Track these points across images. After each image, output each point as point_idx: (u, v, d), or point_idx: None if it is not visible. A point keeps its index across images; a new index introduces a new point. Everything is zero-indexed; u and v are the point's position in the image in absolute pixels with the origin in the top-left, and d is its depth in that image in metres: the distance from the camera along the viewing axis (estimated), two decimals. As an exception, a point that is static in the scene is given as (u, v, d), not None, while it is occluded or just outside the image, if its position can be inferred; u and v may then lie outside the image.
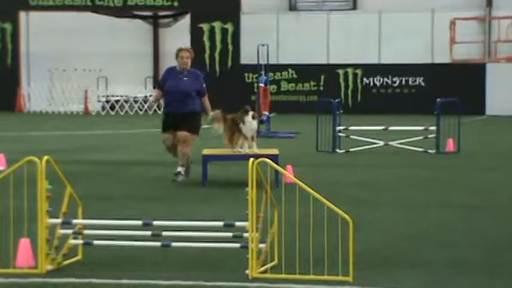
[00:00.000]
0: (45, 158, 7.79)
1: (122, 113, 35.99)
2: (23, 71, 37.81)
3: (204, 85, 14.49)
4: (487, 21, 37.60)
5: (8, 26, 36.89)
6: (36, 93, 37.69)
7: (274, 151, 13.95)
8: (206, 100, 14.42)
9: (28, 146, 20.01)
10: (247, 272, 7.52)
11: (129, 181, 14.39)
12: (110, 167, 16.60)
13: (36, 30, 37.76)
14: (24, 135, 24.21)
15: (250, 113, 13.75)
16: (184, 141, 13.58)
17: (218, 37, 36.11)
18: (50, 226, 7.87)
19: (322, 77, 35.83)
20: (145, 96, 35.91)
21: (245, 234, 7.60)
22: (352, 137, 19.68)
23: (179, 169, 13.74)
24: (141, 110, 36.36)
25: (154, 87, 13.72)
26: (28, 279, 7.61)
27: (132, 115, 35.53)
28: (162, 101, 14.72)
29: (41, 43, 37.76)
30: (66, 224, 8.03)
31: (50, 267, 7.81)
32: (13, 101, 36.59)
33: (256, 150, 13.59)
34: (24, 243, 8.00)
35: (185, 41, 36.37)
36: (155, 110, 34.70)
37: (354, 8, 38.71)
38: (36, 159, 7.78)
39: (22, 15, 37.33)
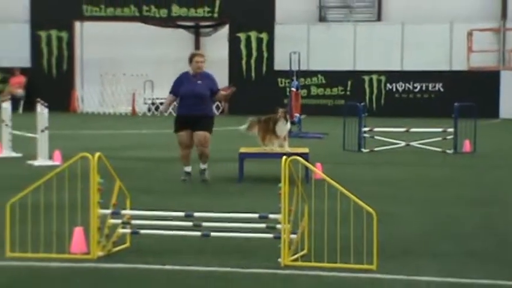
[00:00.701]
0: (97, 154, 7.82)
1: (166, 114, 36.05)
2: (77, 76, 38.02)
3: (216, 84, 14.12)
4: (501, 32, 37.35)
5: (64, 35, 37.11)
6: (89, 95, 37.90)
7: (305, 150, 13.93)
8: (219, 92, 14.19)
9: (81, 143, 20.12)
10: (279, 260, 7.52)
11: (171, 176, 14.41)
12: (154, 163, 16.66)
13: (89, 38, 37.94)
14: (77, 134, 24.35)
15: (283, 115, 13.76)
16: (205, 141, 13.32)
17: (254, 45, 36.12)
18: (101, 216, 7.92)
19: (349, 82, 35.75)
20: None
21: (278, 226, 7.60)
22: (376, 137, 19.63)
23: (189, 169, 13.60)
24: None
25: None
26: (81, 264, 7.64)
27: (174, 116, 35.53)
28: (175, 103, 14.35)
29: (94, 50, 37.94)
30: (115, 214, 8.07)
31: (100, 253, 7.85)
32: (68, 102, 36.81)
33: (287, 149, 13.56)
34: (78, 231, 8.05)
35: (224, 49, 36.49)
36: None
37: (379, 19, 38.58)
38: (89, 155, 7.81)
39: (77, 24, 37.52)
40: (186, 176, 13.50)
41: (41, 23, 37.00)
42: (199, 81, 13.71)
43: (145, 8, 36.62)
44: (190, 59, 13.94)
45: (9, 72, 36.99)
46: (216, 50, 37.69)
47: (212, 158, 15.22)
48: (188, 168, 13.52)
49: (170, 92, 14.11)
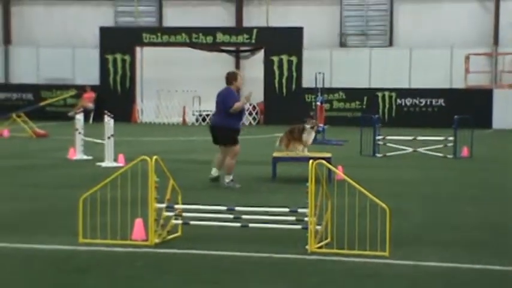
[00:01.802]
0: (154, 157, 7.85)
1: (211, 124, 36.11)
2: (137, 91, 38.19)
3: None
4: (494, 56, 37.07)
5: (127, 58, 37.31)
6: (147, 108, 38.05)
7: (328, 154, 13.90)
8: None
9: (141, 148, 20.21)
10: (307, 247, 7.51)
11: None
12: (201, 165, 16.67)
13: (148, 61, 38.14)
14: (138, 140, 24.47)
15: (314, 124, 13.85)
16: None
17: (285, 66, 36.07)
18: (157, 209, 7.94)
19: (365, 98, 35.57)
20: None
21: (305, 218, 7.59)
22: (388, 144, 19.53)
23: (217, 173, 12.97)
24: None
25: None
26: (140, 249, 7.68)
27: (219, 126, 35.67)
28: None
29: (151, 71, 38.12)
30: (169, 208, 8.10)
31: (157, 240, 7.88)
32: (130, 114, 37.00)
33: (307, 153, 13.62)
34: (138, 222, 8.09)
35: (259, 70, 36.46)
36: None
37: (390, 45, 38.39)
38: (147, 158, 7.85)
39: (138, 49, 37.72)
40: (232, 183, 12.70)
41: (108, 48, 37.26)
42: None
43: (194, 35, 36.73)
44: (236, 78, 12.73)
45: (82, 88, 37.27)
46: (253, 70, 37.70)
47: (250, 161, 15.23)
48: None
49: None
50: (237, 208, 8.04)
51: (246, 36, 36.86)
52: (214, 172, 12.98)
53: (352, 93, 35.72)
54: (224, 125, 12.59)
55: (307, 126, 13.75)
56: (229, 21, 39.38)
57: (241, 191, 12.23)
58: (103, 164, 16.15)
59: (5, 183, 13.30)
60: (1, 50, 41.01)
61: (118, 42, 37.16)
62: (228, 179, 12.61)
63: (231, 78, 12.79)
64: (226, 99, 12.56)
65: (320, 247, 7.57)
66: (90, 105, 35.79)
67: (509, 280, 6.66)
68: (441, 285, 6.40)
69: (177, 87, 36.85)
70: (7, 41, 41.09)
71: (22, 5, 41.07)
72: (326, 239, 7.76)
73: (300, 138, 13.75)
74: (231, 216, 7.96)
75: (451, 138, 18.95)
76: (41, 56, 39.93)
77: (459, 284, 6.48)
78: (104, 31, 37.86)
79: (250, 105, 36.91)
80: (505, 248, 7.95)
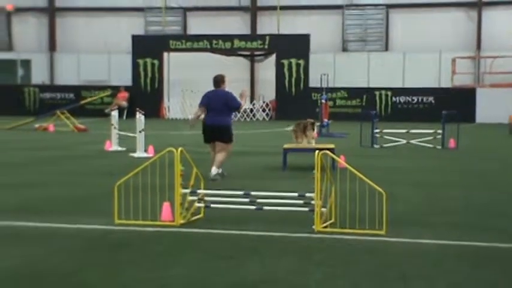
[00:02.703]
0: (180, 149, 7.86)
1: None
2: (164, 91, 38.28)
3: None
4: (477, 59, 36.92)
5: (156, 62, 37.39)
6: (173, 105, 38.15)
7: (332, 146, 13.86)
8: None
9: (168, 140, 20.25)
10: (313, 227, 7.50)
11: (233, 165, 14.42)
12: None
13: (174, 64, 38.20)
14: (165, 134, 24.52)
15: (310, 124, 13.92)
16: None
17: (294, 69, 36.03)
18: (182, 194, 7.94)
19: (364, 96, 35.52)
20: (244, 110, 35.98)
21: (312, 202, 7.56)
22: (384, 137, 19.48)
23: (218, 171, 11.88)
24: (241, 118, 36.41)
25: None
26: (168, 228, 7.69)
27: (236, 121, 35.60)
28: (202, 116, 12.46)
29: (177, 73, 38.19)
30: (193, 193, 8.09)
31: (182, 221, 7.89)
32: (158, 111, 37.10)
33: (314, 145, 13.74)
34: (166, 205, 8.10)
35: (272, 72, 36.44)
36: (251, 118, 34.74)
37: (386, 49, 38.27)
38: (173, 149, 7.84)
39: (165, 54, 37.79)
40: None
41: (139, 54, 37.34)
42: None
43: (214, 41, 36.74)
44: (223, 81, 12.30)
45: (116, 89, 37.37)
46: (266, 72, 37.70)
47: (263, 151, 15.20)
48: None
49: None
50: (253, 193, 8.02)
51: (259, 42, 36.83)
52: (214, 170, 11.90)
53: (352, 92, 35.65)
54: (227, 124, 12.05)
55: (308, 125, 13.90)
56: (245, 29, 39.34)
57: (256, 178, 12.21)
58: (135, 155, 16.19)
59: (51, 171, 13.36)
60: (47, 56, 41.23)
61: (148, 48, 37.26)
62: (215, 171, 11.74)
63: (220, 81, 12.32)
64: (231, 100, 12.02)
65: (325, 227, 7.55)
66: (124, 103, 35.89)
67: (489, 254, 6.64)
68: (431, 260, 6.37)
69: (199, 87, 36.65)
70: (52, 48, 41.29)
71: (65, 17, 41.27)
72: (330, 219, 7.74)
73: (305, 133, 13.87)
74: (247, 200, 7.95)
75: (439, 131, 18.89)
76: (81, 60, 40.11)
77: (447, 258, 6.45)
78: (136, 39, 37.95)
79: (263, 102, 36.91)
80: (486, 227, 7.91)
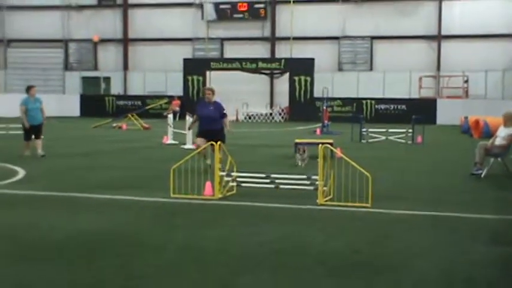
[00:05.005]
0: (219, 142, 7.80)
1: (254, 121, 36.14)
2: (207, 100, 38.19)
3: (224, 111, 11.07)
4: (437, 78, 36.52)
5: (200, 78, 37.38)
6: (214, 110, 38.03)
7: (331, 140, 13.72)
8: (226, 119, 11.04)
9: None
10: (317, 201, 7.43)
11: (257, 154, 14.41)
12: (249, 148, 16.67)
13: (214, 79, 38.18)
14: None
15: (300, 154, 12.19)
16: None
17: (303, 83, 35.80)
18: (220, 176, 7.91)
19: (354, 104, 35.21)
20: (266, 114, 35.88)
21: (316, 182, 7.50)
22: (370, 134, 19.30)
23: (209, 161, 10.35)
24: (263, 120, 36.30)
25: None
26: (209, 201, 7.67)
27: (259, 122, 35.58)
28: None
29: (216, 86, 37.68)
30: (228, 175, 8.06)
31: (220, 196, 7.85)
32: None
33: (317, 140, 13.49)
34: (208, 184, 8.09)
35: (286, 86, 36.23)
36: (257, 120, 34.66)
37: (371, 69, 37.92)
38: (214, 142, 7.78)
39: (207, 72, 37.80)
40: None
41: (188, 72, 37.39)
42: (211, 108, 10.92)
43: (243, 63, 36.66)
44: (203, 92, 11.03)
45: (171, 98, 37.49)
46: (282, 86, 37.46)
47: (279, 145, 15.07)
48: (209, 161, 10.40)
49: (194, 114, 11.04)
50: (272, 175, 7.99)
51: (277, 63, 36.72)
52: (209, 161, 10.38)
53: (346, 101, 35.36)
54: (221, 128, 10.80)
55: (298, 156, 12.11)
56: (266, 54, 39.21)
57: (274, 164, 12.14)
58: (185, 147, 16.22)
59: (125, 158, 13.43)
60: (122, 73, 41.51)
61: (194, 68, 37.28)
62: (209, 161, 10.31)
63: (208, 93, 11.01)
64: (221, 109, 10.99)
65: (326, 201, 7.49)
66: (177, 109, 35.89)
67: (444, 221, 6.58)
68: (405, 225, 6.31)
69: (232, 96, 36.88)
70: (126, 68, 41.55)
71: (135, 45, 41.49)
72: (329, 195, 7.68)
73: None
74: (268, 180, 7.92)
75: (410, 130, 18.66)
76: (146, 77, 40.30)
77: (417, 223, 6.38)
78: (186, 61, 38.00)
79: (280, 108, 36.75)
80: (445, 202, 7.81)
